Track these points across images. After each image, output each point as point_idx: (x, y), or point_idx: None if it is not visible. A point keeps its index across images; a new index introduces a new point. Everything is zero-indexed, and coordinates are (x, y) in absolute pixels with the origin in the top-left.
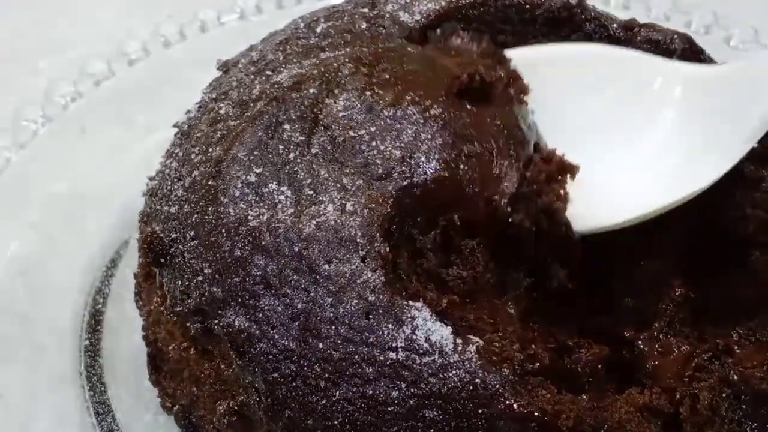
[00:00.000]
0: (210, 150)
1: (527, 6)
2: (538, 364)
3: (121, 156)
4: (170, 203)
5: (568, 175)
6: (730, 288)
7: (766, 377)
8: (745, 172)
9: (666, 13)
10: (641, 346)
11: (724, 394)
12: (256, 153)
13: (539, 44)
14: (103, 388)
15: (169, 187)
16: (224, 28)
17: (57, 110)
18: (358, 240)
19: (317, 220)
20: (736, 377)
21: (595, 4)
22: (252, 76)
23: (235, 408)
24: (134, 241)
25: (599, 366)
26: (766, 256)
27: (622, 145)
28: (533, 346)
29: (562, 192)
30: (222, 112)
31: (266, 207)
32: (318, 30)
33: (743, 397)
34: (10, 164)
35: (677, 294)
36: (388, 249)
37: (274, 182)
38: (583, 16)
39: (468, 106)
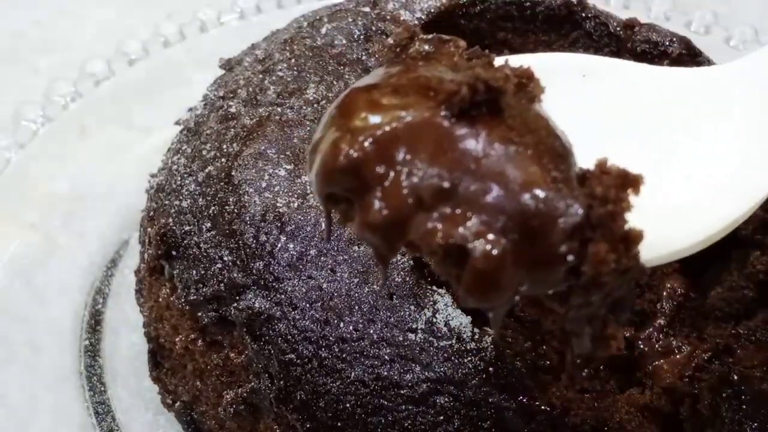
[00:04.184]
0: (225, 146)
1: (528, 3)
2: (548, 362)
3: (121, 156)
4: (181, 198)
5: (631, 190)
6: (730, 288)
7: (766, 377)
8: None
9: (666, 13)
10: (641, 347)
11: (724, 394)
12: (287, 153)
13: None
14: (102, 388)
15: (178, 183)
16: (224, 27)
17: (57, 110)
18: None
19: None
20: (736, 377)
21: (596, 3)
22: (261, 75)
23: (243, 395)
24: (134, 240)
25: (600, 366)
26: (766, 256)
27: (659, 156)
28: (543, 346)
29: (630, 213)
30: (233, 110)
31: (296, 196)
32: (323, 31)
33: (744, 397)
34: (10, 164)
35: (677, 294)
36: None
37: (307, 176)
38: (583, 14)
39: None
